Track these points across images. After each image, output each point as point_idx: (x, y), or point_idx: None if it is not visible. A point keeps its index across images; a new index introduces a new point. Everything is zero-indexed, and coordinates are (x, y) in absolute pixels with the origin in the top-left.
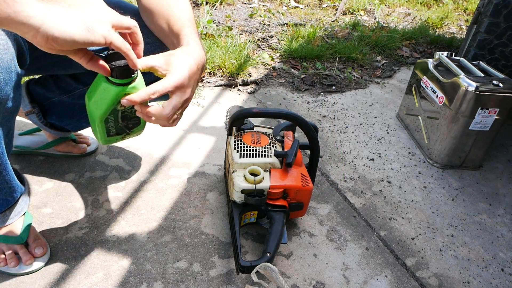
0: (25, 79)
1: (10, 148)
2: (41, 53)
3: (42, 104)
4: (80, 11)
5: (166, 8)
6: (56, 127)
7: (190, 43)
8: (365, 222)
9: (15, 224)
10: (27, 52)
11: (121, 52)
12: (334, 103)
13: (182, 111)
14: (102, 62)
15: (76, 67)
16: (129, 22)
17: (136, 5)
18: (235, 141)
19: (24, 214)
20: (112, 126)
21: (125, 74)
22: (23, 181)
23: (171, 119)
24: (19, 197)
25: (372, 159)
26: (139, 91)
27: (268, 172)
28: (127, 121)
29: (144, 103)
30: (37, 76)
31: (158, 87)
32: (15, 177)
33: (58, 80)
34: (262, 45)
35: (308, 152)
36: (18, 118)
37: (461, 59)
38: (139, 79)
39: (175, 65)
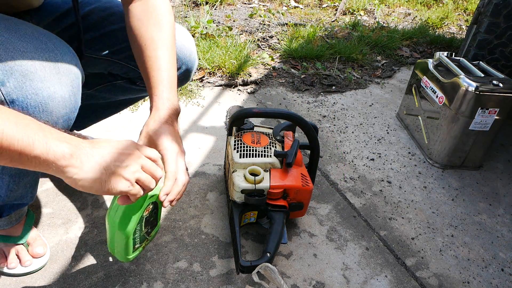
0: None
1: None
2: None
3: None
4: (108, 159)
5: (150, 44)
6: None
7: (159, 107)
8: (365, 222)
9: (17, 225)
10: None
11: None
12: (334, 103)
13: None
14: None
15: None
16: (153, 155)
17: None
18: (235, 141)
19: (25, 215)
20: (137, 236)
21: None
22: None
23: (187, 179)
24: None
25: (372, 159)
26: (165, 183)
27: (268, 172)
28: (148, 226)
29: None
30: None
31: (172, 167)
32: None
33: None
34: (262, 45)
35: (308, 152)
36: None
37: (461, 59)
38: None
39: (162, 139)
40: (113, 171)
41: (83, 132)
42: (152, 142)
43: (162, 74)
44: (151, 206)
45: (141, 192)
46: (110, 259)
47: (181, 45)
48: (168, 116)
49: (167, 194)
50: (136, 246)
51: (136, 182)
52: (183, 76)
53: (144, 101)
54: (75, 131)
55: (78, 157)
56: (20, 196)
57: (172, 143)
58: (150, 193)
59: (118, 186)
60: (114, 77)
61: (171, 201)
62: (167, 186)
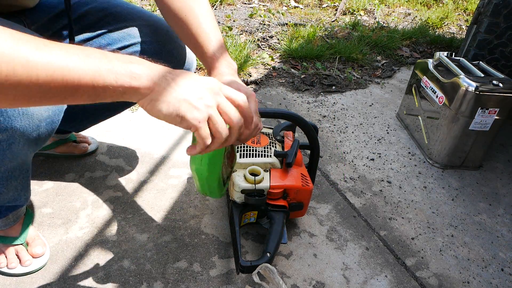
0: None
1: None
2: None
3: None
4: (186, 93)
5: (193, 18)
6: (57, 130)
7: (217, 67)
8: (365, 222)
9: (15, 225)
10: None
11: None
12: (334, 103)
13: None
14: None
15: None
16: (235, 96)
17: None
18: None
19: (24, 216)
20: (225, 172)
21: None
22: None
23: (259, 123)
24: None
25: (372, 159)
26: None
27: (268, 172)
28: (230, 159)
29: None
30: None
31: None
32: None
33: None
34: (262, 45)
35: (308, 152)
36: None
37: (461, 59)
38: None
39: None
40: (184, 98)
41: (82, 133)
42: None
43: (210, 37)
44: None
45: (208, 139)
46: (110, 259)
47: (178, 46)
48: (229, 72)
49: (238, 138)
50: (226, 181)
51: (208, 120)
52: None
53: None
54: (73, 132)
55: (152, 78)
56: (12, 199)
57: (242, 87)
58: None
59: (191, 117)
60: None
61: (240, 142)
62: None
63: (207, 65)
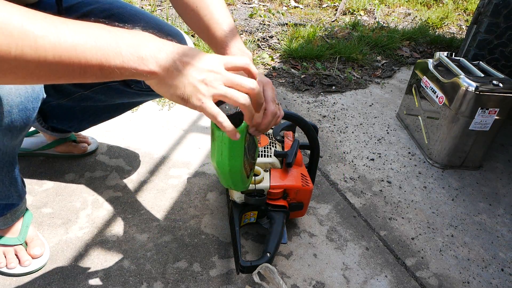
0: None
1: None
2: None
3: (41, 108)
4: (188, 73)
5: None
6: (56, 129)
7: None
8: (365, 222)
9: (14, 224)
10: None
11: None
12: (334, 103)
13: (275, 97)
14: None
15: None
16: (241, 62)
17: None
18: None
19: (23, 215)
20: (247, 164)
21: (242, 116)
22: (23, 183)
23: (277, 111)
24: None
25: (372, 159)
26: (259, 118)
27: (268, 172)
28: (251, 151)
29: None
30: None
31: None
32: (21, 183)
33: (56, 84)
34: (262, 45)
35: (308, 152)
36: None
37: (461, 59)
38: None
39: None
40: (190, 82)
41: (82, 133)
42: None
43: (223, 27)
44: (247, 135)
45: (218, 115)
46: (110, 259)
47: None
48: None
49: (256, 127)
50: (249, 173)
51: (222, 97)
52: None
53: None
54: (72, 133)
55: (158, 62)
56: (4, 196)
57: (258, 75)
58: (244, 125)
59: (193, 99)
60: None
61: (259, 132)
62: (255, 118)
63: (221, 54)
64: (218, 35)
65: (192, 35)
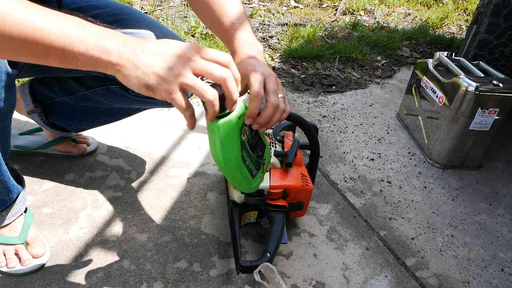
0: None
1: (6, 148)
2: None
3: (45, 104)
4: (155, 66)
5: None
6: (57, 127)
7: (239, 49)
8: (365, 222)
9: (15, 224)
10: None
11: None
12: (334, 103)
13: (280, 91)
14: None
15: (78, 71)
16: (222, 58)
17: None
18: None
19: (22, 214)
20: (250, 162)
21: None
22: (21, 181)
23: (281, 104)
24: (16, 198)
25: (372, 159)
26: (249, 104)
27: (268, 172)
28: (257, 149)
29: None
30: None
31: (256, 86)
32: (11, 178)
33: (61, 81)
34: (262, 44)
35: (308, 152)
36: (19, 117)
37: (461, 59)
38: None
39: (246, 68)
40: (153, 71)
41: (83, 132)
42: (242, 67)
43: (231, 19)
44: (246, 129)
45: (185, 107)
46: (110, 259)
47: None
48: (252, 53)
49: (252, 118)
50: (254, 173)
51: (187, 87)
52: None
53: None
54: (72, 133)
55: (121, 54)
56: None
57: (260, 66)
58: (236, 114)
59: (160, 90)
60: (110, 81)
61: (261, 126)
62: (250, 108)
63: (231, 48)
64: (226, 26)
65: (192, 35)
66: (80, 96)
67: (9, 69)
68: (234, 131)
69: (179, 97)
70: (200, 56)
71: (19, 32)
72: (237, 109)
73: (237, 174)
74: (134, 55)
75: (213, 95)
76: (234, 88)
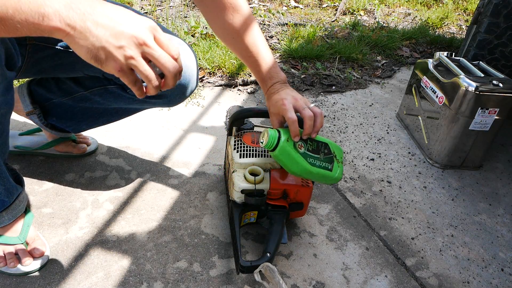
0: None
1: (5, 149)
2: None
3: (43, 105)
4: (105, 40)
5: (253, 42)
6: (56, 128)
7: (267, 83)
8: (365, 222)
9: (15, 224)
10: (17, 54)
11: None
12: (334, 103)
13: (307, 103)
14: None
15: (77, 71)
16: (168, 44)
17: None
18: (235, 141)
19: (22, 215)
20: (321, 162)
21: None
22: (20, 181)
23: (312, 112)
24: (16, 198)
25: (372, 159)
26: (295, 130)
27: (268, 172)
28: (319, 150)
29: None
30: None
31: (288, 115)
32: (11, 178)
33: (59, 82)
34: None
35: None
36: (18, 117)
37: (461, 59)
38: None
39: (279, 107)
40: (102, 46)
41: (83, 132)
42: (273, 109)
43: (264, 56)
44: (300, 143)
45: (133, 85)
46: (110, 259)
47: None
48: (279, 88)
49: (297, 135)
50: (330, 167)
51: (134, 68)
52: (177, 95)
53: None
54: (72, 133)
55: (64, 19)
56: None
57: (287, 95)
58: (283, 139)
59: (108, 65)
60: (108, 81)
61: (309, 135)
62: (291, 131)
63: (264, 90)
64: (262, 70)
65: (192, 35)
66: (78, 97)
67: (7, 72)
68: (290, 151)
69: (126, 74)
70: (153, 40)
71: None
72: (282, 135)
73: (315, 176)
74: (82, 21)
75: (156, 83)
76: (174, 81)
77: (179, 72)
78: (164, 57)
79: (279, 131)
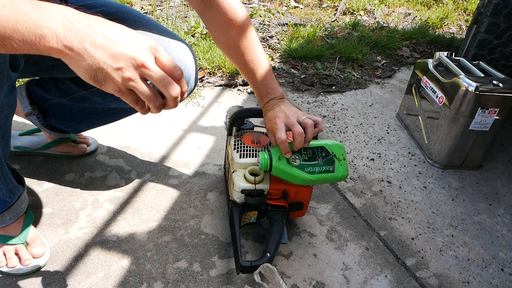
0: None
1: (7, 150)
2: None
3: (42, 106)
4: (103, 62)
5: (252, 57)
6: (56, 129)
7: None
8: (365, 222)
9: (15, 224)
10: (20, 55)
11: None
12: (334, 103)
13: (300, 115)
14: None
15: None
16: (167, 63)
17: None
18: (235, 141)
19: (23, 215)
20: (320, 167)
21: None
22: (21, 181)
23: (301, 127)
24: (17, 198)
25: (372, 159)
26: (286, 148)
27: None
28: (316, 156)
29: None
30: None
31: (278, 135)
32: (13, 179)
33: (58, 82)
34: (262, 45)
35: None
36: (18, 118)
37: (461, 59)
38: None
39: (272, 126)
40: (100, 68)
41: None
42: (268, 125)
43: (265, 69)
44: (294, 156)
45: (135, 105)
46: (110, 259)
47: (185, 54)
48: (275, 105)
49: (288, 152)
50: (331, 169)
51: (133, 90)
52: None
53: None
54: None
55: (61, 39)
56: None
57: (280, 113)
58: (275, 159)
59: (107, 86)
60: None
61: (300, 148)
62: (282, 149)
63: (261, 103)
64: (259, 78)
65: (192, 35)
66: (77, 97)
67: (11, 73)
68: (284, 168)
69: (126, 95)
70: (153, 61)
71: None
72: (274, 155)
73: (318, 182)
74: (79, 43)
75: (157, 104)
76: (175, 103)
77: (180, 93)
78: (163, 79)
79: (269, 152)
